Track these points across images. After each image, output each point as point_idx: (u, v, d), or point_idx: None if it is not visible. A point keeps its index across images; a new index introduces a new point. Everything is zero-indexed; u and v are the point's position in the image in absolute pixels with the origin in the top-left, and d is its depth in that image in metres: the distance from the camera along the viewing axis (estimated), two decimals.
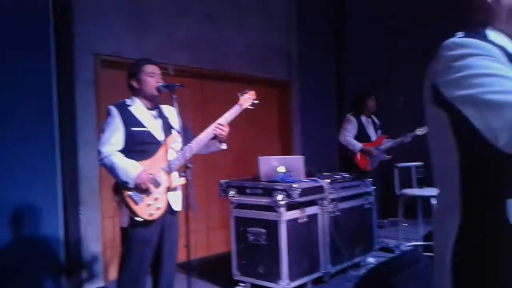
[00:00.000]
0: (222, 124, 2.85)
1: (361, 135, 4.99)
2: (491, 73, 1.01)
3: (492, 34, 1.15)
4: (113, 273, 4.03)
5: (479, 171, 1.12)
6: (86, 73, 3.91)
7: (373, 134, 5.11)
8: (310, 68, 6.01)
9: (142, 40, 4.26)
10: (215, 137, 2.86)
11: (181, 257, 3.96)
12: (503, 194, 1.07)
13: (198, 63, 4.75)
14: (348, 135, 4.93)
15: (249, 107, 3.02)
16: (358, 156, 4.92)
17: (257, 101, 3.05)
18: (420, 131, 4.72)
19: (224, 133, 2.86)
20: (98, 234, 3.95)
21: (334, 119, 6.29)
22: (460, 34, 1.13)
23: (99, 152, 2.68)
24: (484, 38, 1.11)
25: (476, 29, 1.17)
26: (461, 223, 1.12)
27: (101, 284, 3.95)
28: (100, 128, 3.88)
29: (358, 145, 4.88)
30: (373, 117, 5.22)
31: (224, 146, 2.97)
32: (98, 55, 3.97)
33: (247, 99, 3.01)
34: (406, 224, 4.38)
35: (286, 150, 5.75)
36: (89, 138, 3.92)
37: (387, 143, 4.99)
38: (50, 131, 3.80)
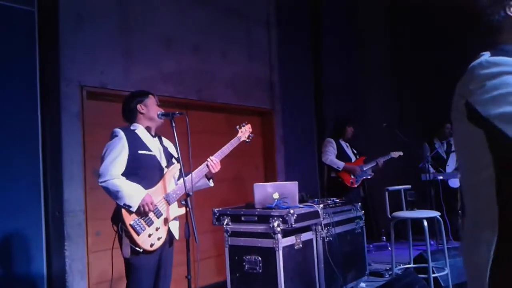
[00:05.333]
0: (214, 160, 2.87)
1: (341, 156, 5.22)
2: None
3: None
4: None
5: None
6: (72, 105, 3.85)
7: (352, 156, 5.33)
8: (291, 97, 6.14)
9: (127, 71, 4.25)
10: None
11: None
12: None
13: (183, 93, 4.76)
14: (331, 156, 5.13)
15: (246, 139, 3.06)
16: (343, 174, 5.11)
17: (252, 134, 3.09)
18: (394, 154, 5.23)
19: (216, 169, 2.87)
20: (84, 270, 3.80)
21: (315, 146, 6.40)
22: (487, 53, 1.17)
23: (101, 175, 2.62)
24: None
25: (498, 47, 1.21)
26: (500, 237, 1.13)
27: None
28: (90, 159, 3.84)
29: (341, 163, 5.10)
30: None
31: (212, 183, 2.99)
32: (84, 86, 3.93)
33: (245, 132, 3.06)
34: (390, 248, 4.44)
35: (269, 177, 5.76)
36: (74, 171, 3.82)
37: (367, 164, 5.23)
38: (34, 163, 3.70)
